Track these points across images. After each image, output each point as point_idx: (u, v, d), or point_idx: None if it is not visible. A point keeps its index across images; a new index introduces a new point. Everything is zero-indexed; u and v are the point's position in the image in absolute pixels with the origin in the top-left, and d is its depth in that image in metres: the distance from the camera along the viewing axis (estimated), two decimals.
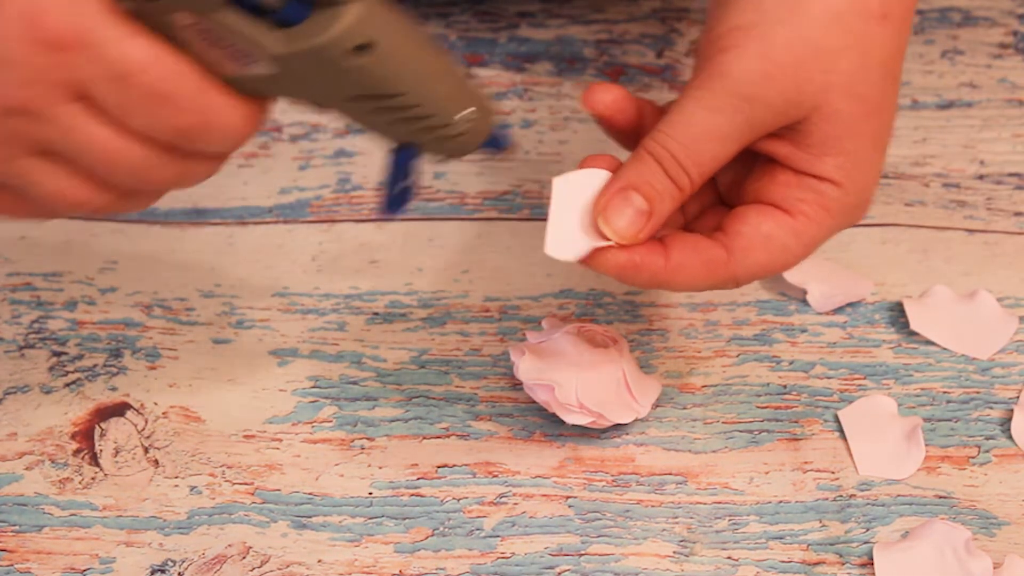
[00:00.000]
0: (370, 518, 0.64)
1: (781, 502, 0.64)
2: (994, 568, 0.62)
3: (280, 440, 0.66)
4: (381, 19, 0.51)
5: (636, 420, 0.66)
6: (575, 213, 0.59)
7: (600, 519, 0.64)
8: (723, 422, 0.67)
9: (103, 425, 0.67)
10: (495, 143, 0.57)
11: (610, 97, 0.61)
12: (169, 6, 0.50)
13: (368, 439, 0.66)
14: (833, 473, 0.65)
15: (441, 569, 0.63)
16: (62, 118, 0.52)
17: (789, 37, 0.58)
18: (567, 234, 0.59)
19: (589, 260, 0.59)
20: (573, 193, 0.59)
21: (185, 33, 0.51)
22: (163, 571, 0.63)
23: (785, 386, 0.68)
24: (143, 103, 0.52)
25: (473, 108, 0.55)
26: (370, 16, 0.50)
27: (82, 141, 0.53)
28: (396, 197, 0.57)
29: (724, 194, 0.63)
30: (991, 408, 0.67)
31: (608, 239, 0.58)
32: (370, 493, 0.65)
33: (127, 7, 0.51)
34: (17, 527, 0.64)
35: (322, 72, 0.51)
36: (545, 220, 0.73)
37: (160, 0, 0.50)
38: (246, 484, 0.65)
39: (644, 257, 0.59)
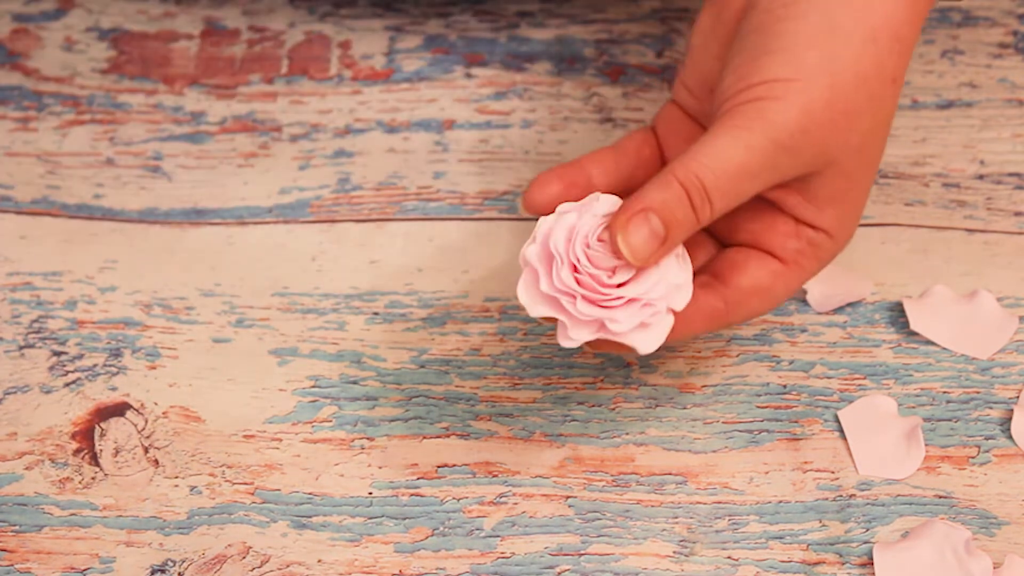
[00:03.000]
0: (370, 518, 0.64)
1: (781, 502, 0.65)
2: (994, 568, 0.62)
3: (280, 440, 0.66)
4: None
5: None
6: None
7: (600, 519, 0.64)
8: (723, 422, 0.67)
9: (103, 425, 0.67)
10: None
11: (553, 192, 0.63)
12: None
13: (368, 439, 0.66)
14: (833, 473, 0.65)
15: (441, 569, 0.63)
16: None
17: (828, 97, 0.60)
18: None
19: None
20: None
21: None
22: (163, 571, 0.63)
23: (785, 386, 0.68)
24: None
25: None
26: None
27: None
28: None
29: (719, 232, 0.65)
30: (991, 408, 0.67)
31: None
32: (370, 493, 0.65)
33: None
34: (17, 527, 0.64)
35: None
36: None
37: None
38: (246, 484, 0.65)
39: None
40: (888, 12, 0.61)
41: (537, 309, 0.59)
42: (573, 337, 0.59)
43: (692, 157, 0.59)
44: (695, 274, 0.62)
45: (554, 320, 0.59)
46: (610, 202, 0.60)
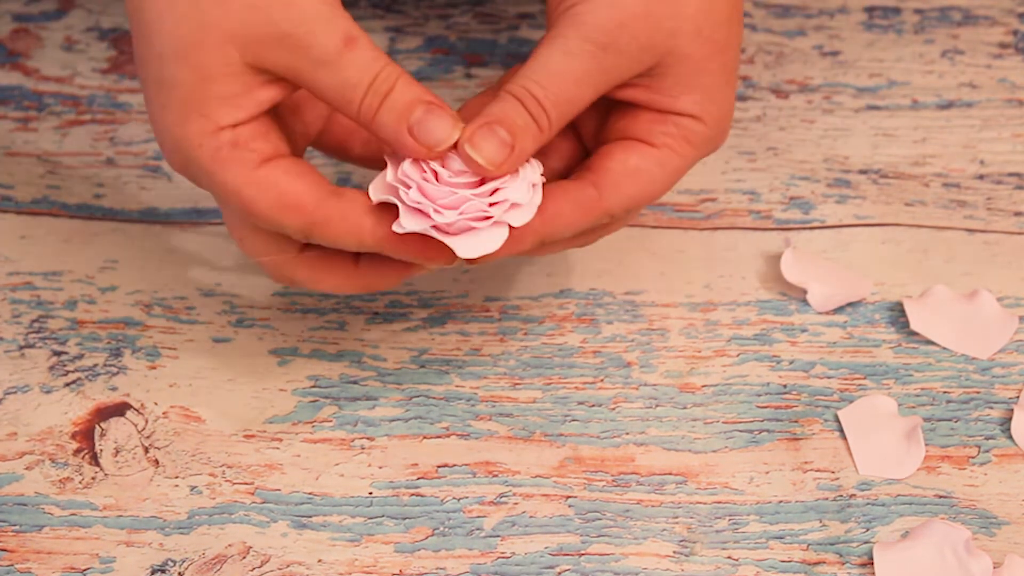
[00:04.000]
0: (370, 518, 0.64)
1: (781, 502, 0.64)
2: (994, 568, 0.62)
3: (280, 440, 0.66)
4: None
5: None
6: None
7: (600, 519, 0.64)
8: (723, 422, 0.67)
9: (103, 425, 0.67)
10: None
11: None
12: None
13: (368, 439, 0.66)
14: (833, 473, 0.65)
15: (441, 569, 0.63)
16: None
17: None
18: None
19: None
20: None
21: None
22: (163, 571, 0.63)
23: (785, 386, 0.68)
24: None
25: None
26: None
27: None
28: None
29: (589, 146, 0.65)
30: (991, 408, 0.67)
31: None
32: (370, 493, 0.65)
33: None
34: (17, 527, 0.64)
35: None
36: None
37: None
38: (246, 484, 0.65)
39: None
40: None
41: (378, 195, 0.60)
42: (404, 224, 0.59)
43: (522, 73, 0.60)
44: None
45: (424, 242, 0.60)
46: None
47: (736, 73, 0.63)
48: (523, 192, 0.60)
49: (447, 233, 0.59)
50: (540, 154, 0.62)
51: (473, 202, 0.59)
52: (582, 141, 0.65)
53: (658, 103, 0.62)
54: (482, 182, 0.59)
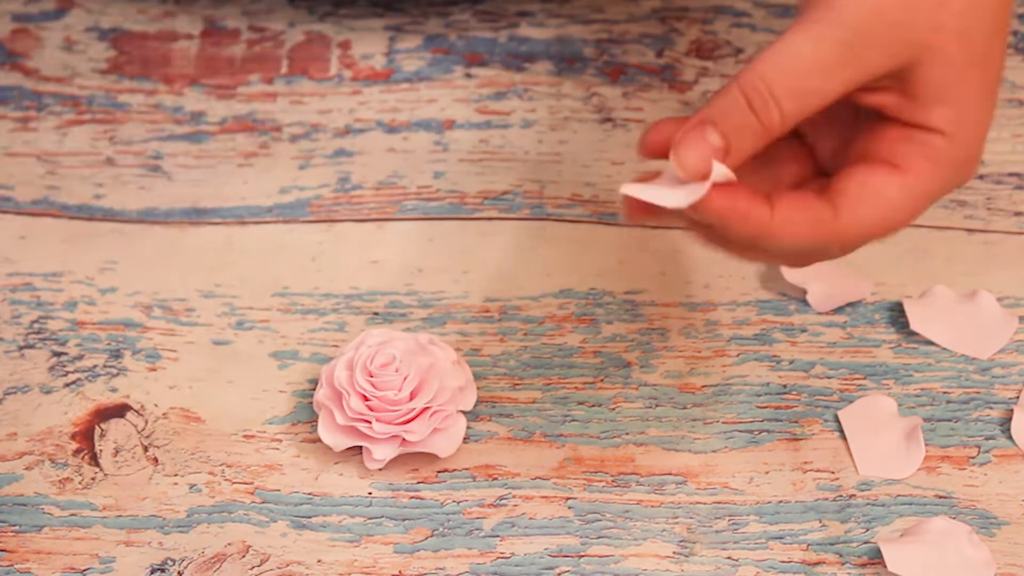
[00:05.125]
0: (370, 518, 0.64)
1: (781, 502, 0.65)
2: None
3: (280, 440, 0.66)
4: None
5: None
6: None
7: (600, 520, 0.64)
8: (723, 422, 0.67)
9: (103, 426, 0.67)
10: None
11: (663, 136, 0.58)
12: None
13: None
14: (833, 473, 0.65)
15: (441, 569, 0.63)
16: None
17: None
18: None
19: (692, 209, 0.55)
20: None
21: None
22: (163, 570, 0.63)
23: (785, 386, 0.68)
24: None
25: None
26: None
27: None
28: None
29: (827, 164, 0.60)
30: (991, 408, 0.67)
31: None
32: (369, 493, 0.65)
33: None
34: (17, 527, 0.64)
35: None
36: (544, 219, 0.73)
37: None
38: (246, 484, 0.65)
39: (748, 204, 0.55)
40: None
41: (340, 443, 0.64)
42: (379, 458, 0.64)
43: (758, 60, 0.55)
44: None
45: (359, 450, 0.65)
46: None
47: (996, 92, 0.58)
48: (459, 375, 0.66)
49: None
50: (767, 165, 0.58)
51: (428, 415, 0.64)
52: (817, 160, 0.61)
53: (908, 113, 0.57)
54: None
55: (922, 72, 0.56)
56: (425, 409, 0.64)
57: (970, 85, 0.56)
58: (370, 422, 0.64)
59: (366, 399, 0.64)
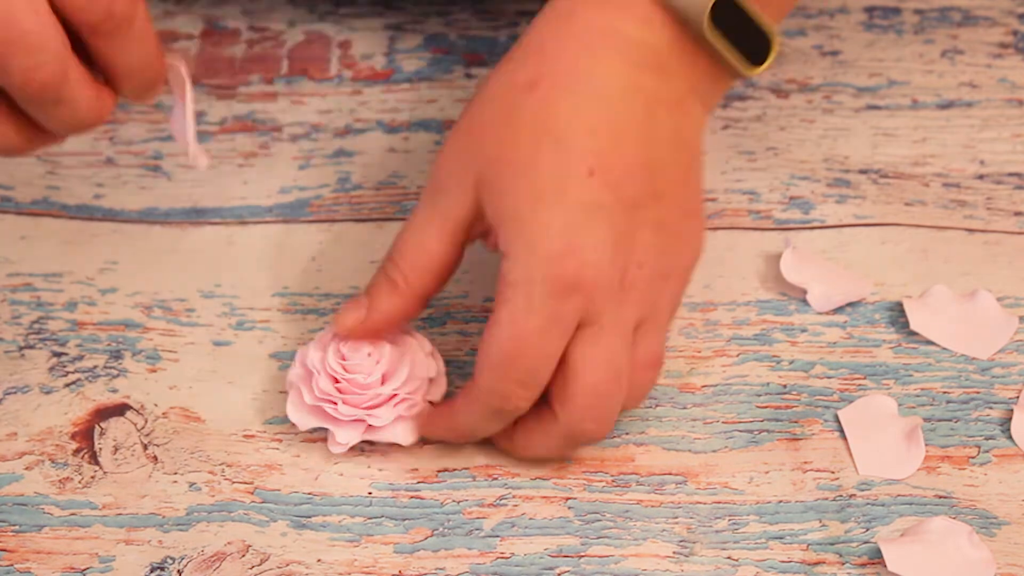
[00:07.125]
0: (370, 518, 0.64)
1: (781, 502, 0.65)
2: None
3: (280, 440, 0.66)
4: None
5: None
6: None
7: (600, 520, 0.64)
8: (723, 422, 0.67)
9: (103, 425, 0.67)
10: None
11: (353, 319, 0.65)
12: None
13: (368, 442, 0.66)
14: (833, 473, 0.65)
15: (441, 569, 0.63)
16: None
17: (462, 124, 0.63)
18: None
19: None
20: None
21: None
22: (162, 569, 0.63)
23: (785, 386, 0.68)
24: None
25: None
26: None
27: None
28: None
29: None
30: (991, 408, 0.67)
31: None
32: (369, 493, 0.65)
33: None
34: (17, 527, 0.64)
35: None
36: None
37: None
38: (246, 483, 0.65)
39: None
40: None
41: (306, 422, 0.65)
42: (341, 441, 0.64)
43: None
44: None
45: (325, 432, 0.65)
46: None
47: (551, 193, 0.60)
48: (432, 366, 0.66)
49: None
50: None
51: (394, 402, 0.65)
52: None
53: (499, 246, 0.61)
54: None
55: (487, 201, 0.61)
56: (393, 396, 0.64)
57: (518, 198, 0.60)
58: (336, 403, 0.64)
59: (336, 380, 0.64)
